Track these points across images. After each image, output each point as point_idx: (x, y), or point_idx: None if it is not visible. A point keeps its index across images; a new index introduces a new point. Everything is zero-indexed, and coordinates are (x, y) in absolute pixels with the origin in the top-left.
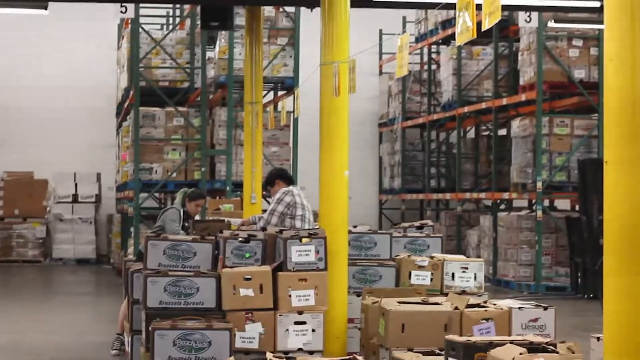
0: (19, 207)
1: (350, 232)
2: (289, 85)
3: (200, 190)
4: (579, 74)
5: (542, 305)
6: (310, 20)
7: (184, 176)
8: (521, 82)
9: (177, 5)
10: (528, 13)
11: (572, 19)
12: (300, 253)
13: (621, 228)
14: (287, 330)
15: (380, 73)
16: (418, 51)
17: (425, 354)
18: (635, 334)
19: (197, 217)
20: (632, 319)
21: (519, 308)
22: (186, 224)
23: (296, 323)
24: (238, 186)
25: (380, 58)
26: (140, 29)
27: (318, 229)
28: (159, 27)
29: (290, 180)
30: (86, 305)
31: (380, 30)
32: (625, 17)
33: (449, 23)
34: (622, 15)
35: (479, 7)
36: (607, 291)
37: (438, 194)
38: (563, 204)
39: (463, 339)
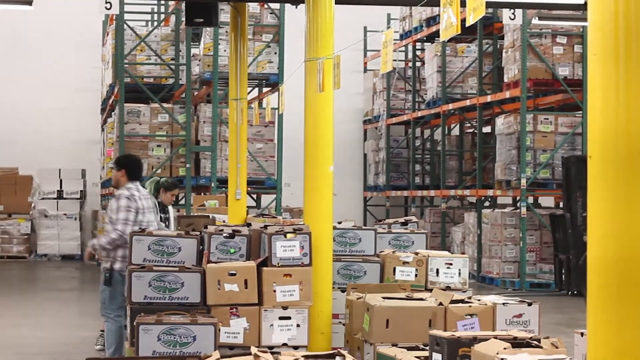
0: (3, 203)
1: (334, 228)
2: (273, 82)
3: (173, 180)
4: (563, 71)
5: (526, 301)
6: (294, 16)
7: (168, 172)
8: (505, 79)
9: (162, 2)
10: (512, 10)
11: (556, 16)
12: (285, 248)
13: (605, 223)
14: (272, 325)
15: (365, 70)
16: (402, 48)
17: (409, 349)
18: (619, 329)
19: (183, 213)
20: (616, 312)
21: (503, 304)
22: (162, 215)
23: (281, 318)
24: (223, 182)
25: (365, 55)
26: (125, 26)
27: (303, 224)
28: (143, 23)
29: (135, 174)
30: (71, 300)
31: (365, 27)
32: (609, 11)
33: (434, 20)
34: (606, 10)
35: (463, 3)
36: (591, 287)
37: (422, 191)
38: (547, 201)
39: (447, 334)
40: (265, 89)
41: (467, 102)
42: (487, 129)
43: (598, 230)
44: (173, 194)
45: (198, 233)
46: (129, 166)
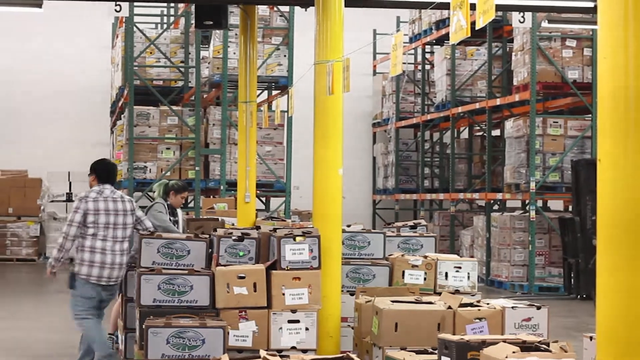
0: (13, 205)
1: (343, 231)
2: (283, 85)
3: (183, 182)
4: (572, 74)
5: (535, 304)
6: (304, 19)
7: (178, 175)
8: (515, 83)
9: (172, 4)
10: (522, 13)
11: (565, 19)
12: (294, 252)
13: (614, 225)
14: (281, 328)
15: (374, 73)
16: (412, 51)
17: (418, 352)
18: (628, 331)
19: (192, 216)
20: (625, 316)
21: (512, 307)
22: (171, 218)
23: (290, 321)
24: (232, 185)
25: (374, 58)
26: (135, 28)
27: (312, 227)
28: (153, 26)
29: (104, 177)
30: None
31: (374, 30)
32: (619, 14)
33: (443, 23)
34: (615, 13)
35: (472, 6)
36: (600, 290)
37: (432, 194)
38: (556, 204)
39: (456, 337)
40: (274, 92)
41: (477, 105)
42: (496, 132)
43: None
44: (182, 197)
45: (207, 236)
46: (98, 170)
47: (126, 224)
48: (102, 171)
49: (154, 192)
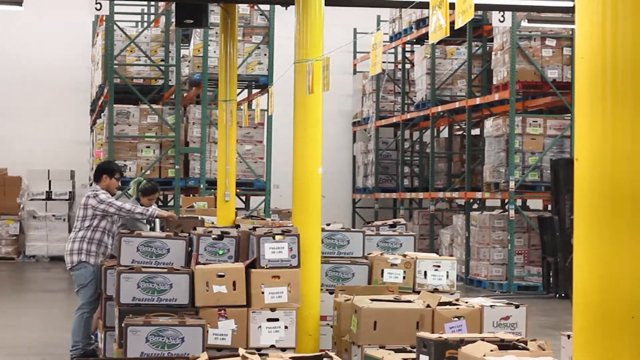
0: None
1: (323, 229)
2: (263, 83)
3: (153, 184)
4: (552, 73)
5: (514, 303)
6: (284, 18)
7: (158, 173)
8: (494, 82)
9: (152, 3)
10: (502, 13)
11: (545, 18)
12: (274, 250)
13: (590, 223)
14: (260, 327)
15: (355, 72)
16: (392, 50)
17: (397, 351)
18: (604, 329)
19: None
20: (601, 314)
21: (491, 306)
22: None
23: (269, 320)
24: (212, 184)
25: (355, 57)
26: (115, 26)
27: (291, 226)
28: (133, 24)
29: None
30: (59, 302)
31: (355, 29)
32: (597, 15)
33: (423, 22)
34: (593, 13)
35: (452, 6)
36: (576, 287)
37: (411, 193)
38: (535, 203)
39: (435, 336)
40: (254, 91)
41: (456, 105)
42: (476, 132)
43: (583, 230)
44: (150, 199)
45: (187, 234)
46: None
47: (79, 216)
48: None
49: (130, 188)
